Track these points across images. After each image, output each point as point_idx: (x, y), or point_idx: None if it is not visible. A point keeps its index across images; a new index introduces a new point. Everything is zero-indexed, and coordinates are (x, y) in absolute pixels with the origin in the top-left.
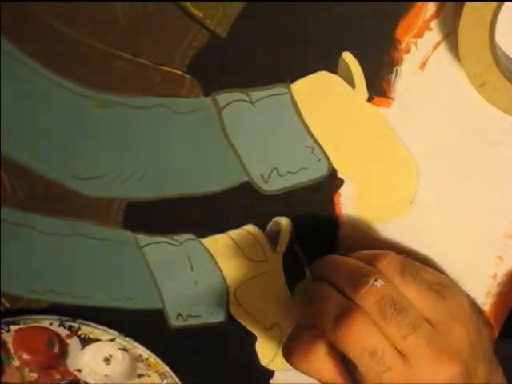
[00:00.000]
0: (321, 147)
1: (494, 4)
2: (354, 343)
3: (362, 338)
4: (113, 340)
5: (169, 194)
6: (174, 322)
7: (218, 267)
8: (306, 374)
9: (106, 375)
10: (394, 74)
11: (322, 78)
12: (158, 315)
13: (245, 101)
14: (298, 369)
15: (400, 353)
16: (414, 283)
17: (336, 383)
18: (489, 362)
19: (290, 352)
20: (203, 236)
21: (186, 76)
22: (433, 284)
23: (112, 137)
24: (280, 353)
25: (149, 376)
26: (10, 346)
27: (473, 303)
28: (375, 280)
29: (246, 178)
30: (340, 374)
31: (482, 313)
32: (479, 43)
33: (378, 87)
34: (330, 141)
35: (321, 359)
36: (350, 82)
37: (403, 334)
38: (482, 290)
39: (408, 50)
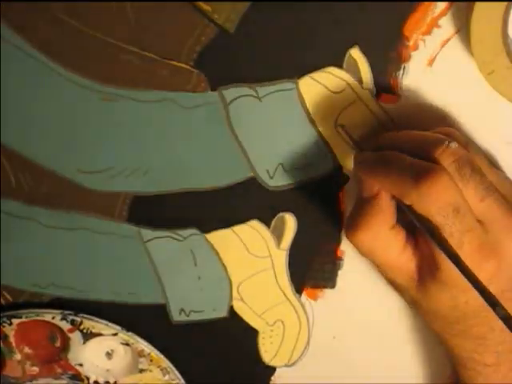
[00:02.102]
0: (327, 143)
1: None
2: (438, 199)
3: (447, 192)
4: (115, 334)
5: (174, 188)
6: (177, 317)
7: (222, 263)
8: (368, 253)
9: (108, 370)
10: (401, 70)
11: (329, 73)
12: (161, 310)
13: (252, 96)
14: (361, 246)
15: (477, 219)
16: (479, 155)
17: (397, 264)
18: None
19: (355, 226)
20: (207, 231)
21: (194, 70)
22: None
23: (117, 131)
24: (282, 350)
25: (151, 371)
26: (11, 339)
27: None
28: (450, 142)
29: (251, 174)
30: (405, 250)
31: None
32: (491, 31)
33: (386, 84)
34: (336, 137)
35: (387, 231)
36: (358, 78)
37: (480, 196)
38: None
39: (416, 47)
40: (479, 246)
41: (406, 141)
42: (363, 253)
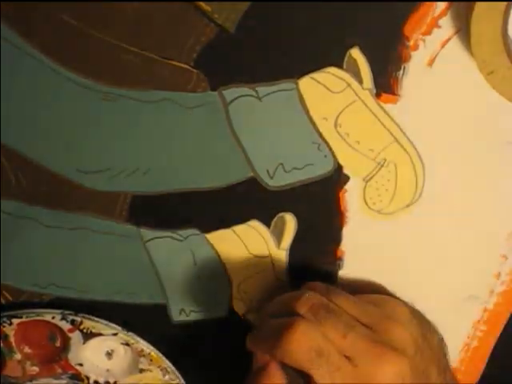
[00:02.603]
0: (327, 143)
1: None
2: (299, 347)
3: (306, 338)
4: (115, 334)
5: (173, 188)
6: (177, 316)
7: (222, 262)
8: None
9: (108, 370)
10: (401, 70)
11: (329, 73)
12: (161, 310)
13: (252, 96)
14: None
15: (345, 355)
16: (341, 296)
17: None
18: (442, 370)
19: None
20: (207, 231)
21: (194, 70)
22: (361, 297)
23: (117, 131)
24: None
25: (151, 371)
26: (11, 339)
27: (416, 312)
28: (304, 293)
29: (251, 174)
30: None
31: (429, 323)
32: (491, 30)
33: (386, 84)
34: (336, 137)
35: None
36: (358, 78)
37: (342, 333)
38: (486, 289)
39: (416, 47)
40: (352, 382)
41: (275, 305)
42: None
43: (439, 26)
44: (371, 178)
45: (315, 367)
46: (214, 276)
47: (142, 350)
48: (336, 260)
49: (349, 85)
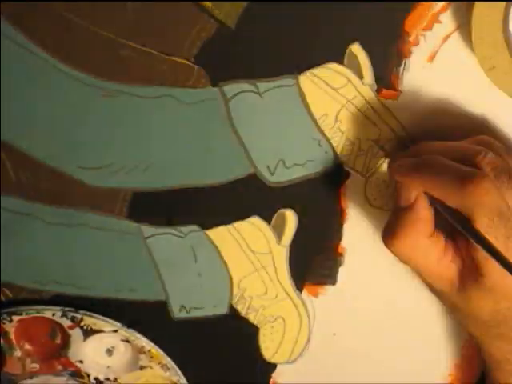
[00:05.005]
0: (327, 139)
1: None
2: (483, 201)
3: (491, 196)
4: (115, 331)
5: (174, 185)
6: (177, 313)
7: (222, 259)
8: (407, 261)
9: (108, 367)
10: (402, 66)
11: (330, 69)
12: (161, 307)
13: (252, 92)
14: (399, 254)
15: None
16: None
17: (437, 271)
18: None
19: (393, 234)
20: (208, 228)
21: (194, 66)
22: None
23: (118, 127)
24: (282, 346)
25: (151, 368)
26: (11, 336)
27: None
28: (486, 152)
29: (252, 170)
30: (444, 257)
31: None
32: (492, 27)
33: (386, 79)
34: (337, 133)
35: (425, 239)
36: (358, 73)
37: None
38: None
39: (417, 43)
40: None
41: (442, 151)
42: (402, 260)
43: (440, 22)
44: (372, 174)
45: (493, 227)
46: (214, 273)
47: (143, 347)
48: (337, 256)
49: (349, 80)
